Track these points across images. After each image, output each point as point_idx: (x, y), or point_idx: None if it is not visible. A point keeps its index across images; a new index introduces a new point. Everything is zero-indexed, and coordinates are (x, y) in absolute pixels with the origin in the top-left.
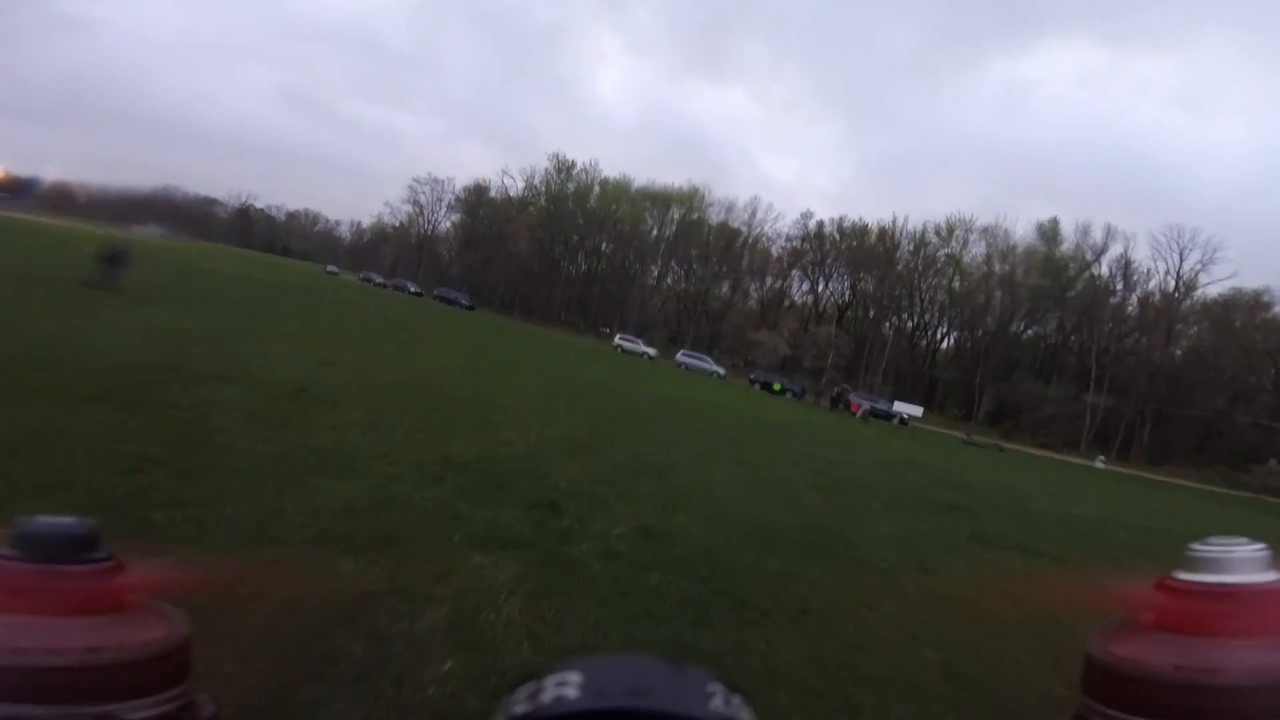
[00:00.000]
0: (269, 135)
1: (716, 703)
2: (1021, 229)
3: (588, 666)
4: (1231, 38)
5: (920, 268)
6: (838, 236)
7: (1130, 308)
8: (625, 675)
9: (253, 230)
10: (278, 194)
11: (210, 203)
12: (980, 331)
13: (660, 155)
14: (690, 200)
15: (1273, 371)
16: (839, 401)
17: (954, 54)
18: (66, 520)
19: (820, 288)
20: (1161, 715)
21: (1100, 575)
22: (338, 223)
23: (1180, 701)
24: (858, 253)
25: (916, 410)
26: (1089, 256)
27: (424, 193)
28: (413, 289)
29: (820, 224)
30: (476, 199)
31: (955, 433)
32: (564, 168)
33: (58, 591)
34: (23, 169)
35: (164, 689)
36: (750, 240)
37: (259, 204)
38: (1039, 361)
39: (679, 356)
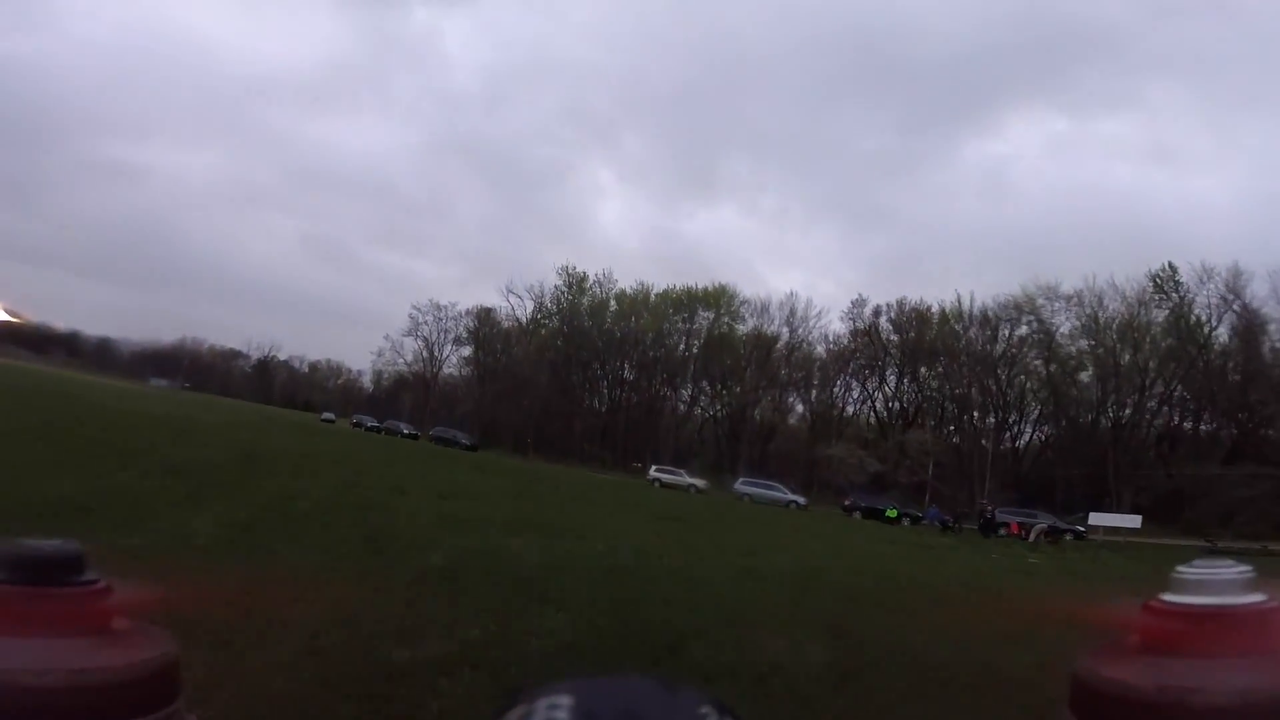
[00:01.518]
0: (292, 285)
1: None
2: (1111, 291)
3: (579, 688)
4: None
5: (1007, 350)
6: (891, 329)
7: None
8: (617, 697)
9: (273, 383)
10: (301, 345)
11: (233, 355)
12: (1093, 416)
13: (664, 280)
14: (719, 301)
15: None
16: (992, 524)
17: (928, 143)
18: (52, 543)
19: (891, 387)
20: None
21: (1091, 596)
22: (360, 372)
23: None
24: (918, 343)
25: (1132, 521)
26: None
27: (426, 322)
28: (405, 430)
29: (877, 310)
30: (482, 325)
31: (1186, 542)
32: (575, 281)
33: (44, 613)
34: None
35: (153, 710)
36: (794, 344)
37: (281, 355)
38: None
39: (740, 486)
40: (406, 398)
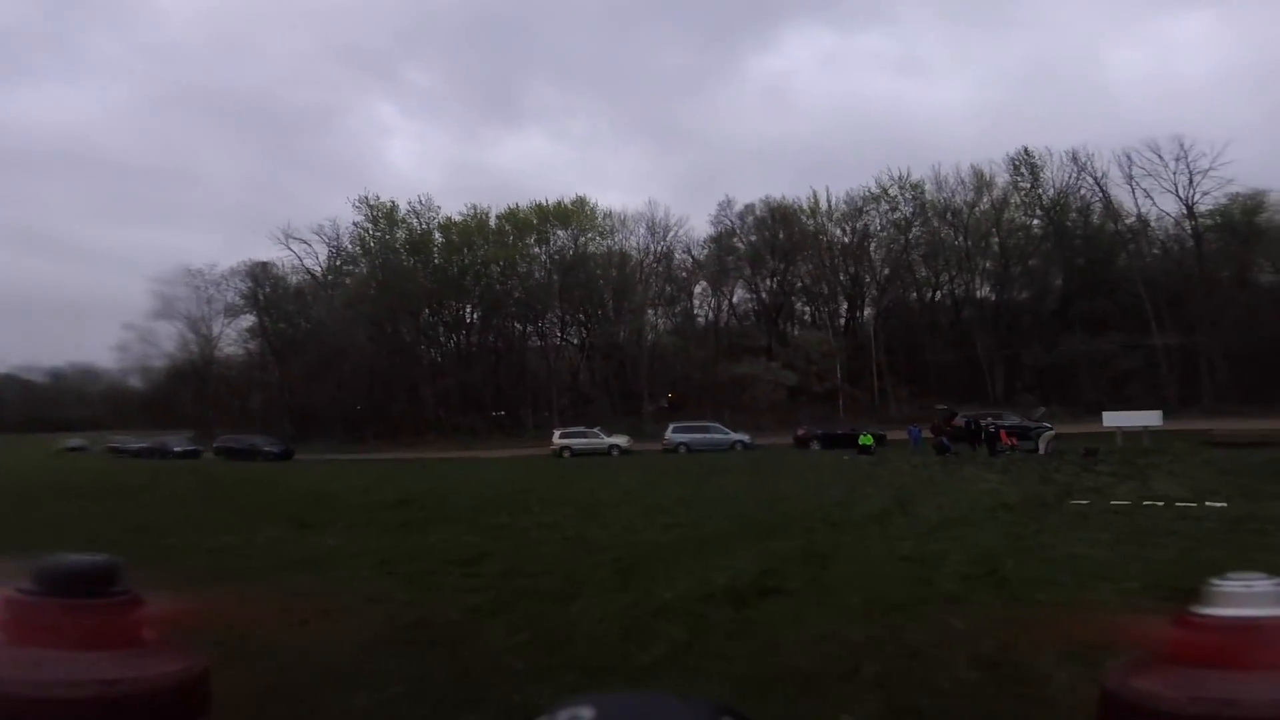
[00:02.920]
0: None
1: None
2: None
3: (601, 702)
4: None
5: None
6: (753, 229)
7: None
8: (637, 711)
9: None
10: (32, 353)
11: None
12: (981, 293)
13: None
14: (577, 218)
15: None
16: (992, 437)
17: (717, 59)
18: (86, 557)
19: (767, 291)
20: None
21: (1120, 612)
22: (124, 372)
23: None
24: (788, 240)
25: (1153, 418)
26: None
27: (179, 296)
28: (178, 448)
29: (741, 212)
30: (259, 284)
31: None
32: (381, 213)
33: (76, 625)
34: None
35: None
36: (661, 254)
37: (2, 369)
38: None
39: (671, 435)
40: (185, 396)
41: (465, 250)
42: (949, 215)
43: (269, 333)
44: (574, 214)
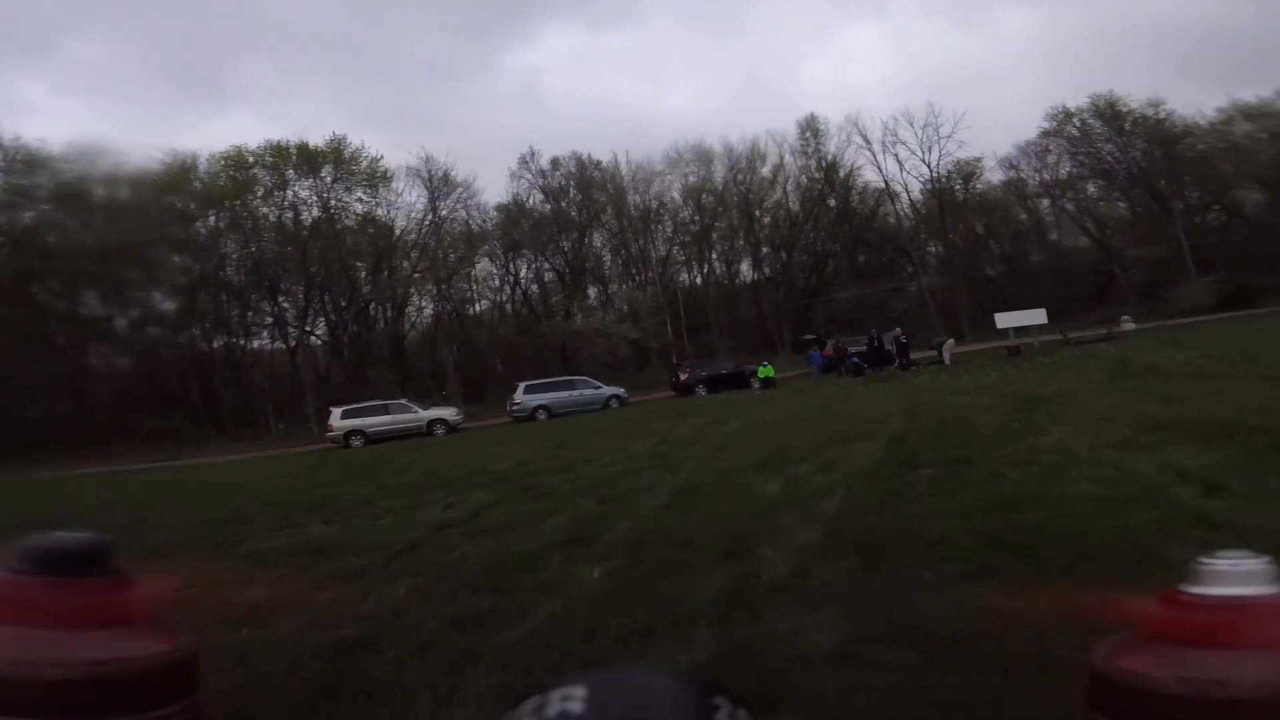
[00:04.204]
0: None
1: (721, 717)
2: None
3: (594, 681)
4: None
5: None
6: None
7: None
8: (630, 689)
9: None
10: None
11: None
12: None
13: None
14: (336, 158)
15: None
16: (897, 353)
17: (472, 49)
18: (75, 535)
19: (567, 253)
20: None
21: (1107, 588)
22: None
23: (1185, 715)
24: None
25: (1038, 316)
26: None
27: None
28: None
29: (542, 171)
30: None
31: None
32: (12, 161)
33: (63, 605)
34: None
35: (170, 703)
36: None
37: None
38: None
39: (524, 398)
40: None
41: (154, 207)
42: (736, 179)
43: None
44: (329, 157)
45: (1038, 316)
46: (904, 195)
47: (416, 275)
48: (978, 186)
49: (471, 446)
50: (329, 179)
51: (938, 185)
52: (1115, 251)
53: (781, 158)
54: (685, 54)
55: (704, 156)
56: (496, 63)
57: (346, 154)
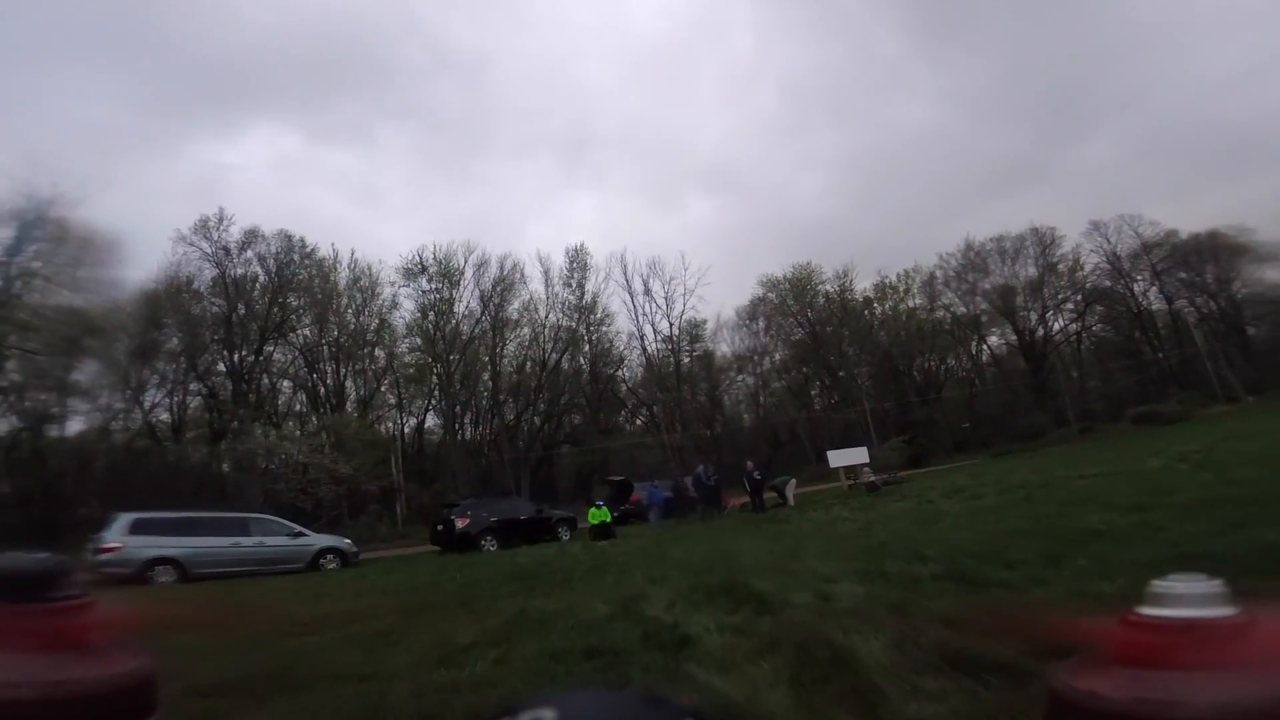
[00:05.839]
0: None
1: None
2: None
3: (562, 702)
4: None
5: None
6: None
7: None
8: (600, 710)
9: None
10: None
11: None
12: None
13: None
14: None
15: None
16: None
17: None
18: (33, 558)
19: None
20: None
21: (1064, 610)
22: None
23: None
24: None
25: (861, 454)
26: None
27: None
28: None
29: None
30: None
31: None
32: None
33: (22, 627)
34: None
35: None
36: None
37: None
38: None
39: (125, 542)
40: None
41: None
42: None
43: None
44: None
45: (860, 455)
46: (647, 345)
47: None
48: (705, 348)
49: None
50: None
51: (674, 344)
52: (815, 415)
53: (531, 294)
54: (413, 189)
55: (450, 275)
56: (177, 148)
57: None
